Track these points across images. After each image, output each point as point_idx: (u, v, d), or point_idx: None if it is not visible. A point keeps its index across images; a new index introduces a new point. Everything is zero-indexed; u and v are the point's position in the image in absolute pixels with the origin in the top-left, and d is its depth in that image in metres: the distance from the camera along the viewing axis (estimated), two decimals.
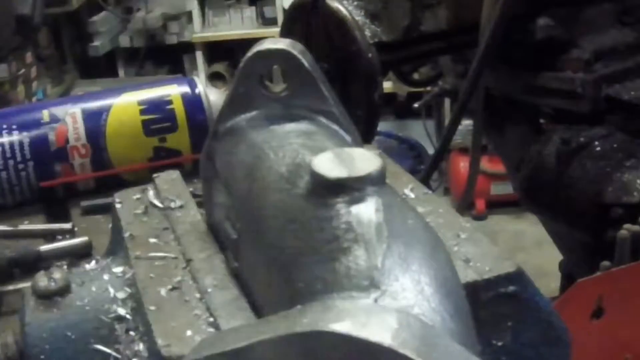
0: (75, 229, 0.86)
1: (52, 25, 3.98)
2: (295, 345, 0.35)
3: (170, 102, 0.94)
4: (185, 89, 0.96)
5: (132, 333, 0.53)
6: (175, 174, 0.72)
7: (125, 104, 0.95)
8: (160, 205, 0.67)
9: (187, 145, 0.94)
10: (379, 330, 0.34)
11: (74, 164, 0.92)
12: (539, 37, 1.30)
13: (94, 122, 0.93)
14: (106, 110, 0.94)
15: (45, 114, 0.93)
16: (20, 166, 0.90)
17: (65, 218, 0.89)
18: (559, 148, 1.26)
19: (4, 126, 0.91)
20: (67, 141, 0.92)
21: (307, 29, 1.20)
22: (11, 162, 0.90)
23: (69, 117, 0.92)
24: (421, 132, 3.38)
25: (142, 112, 0.94)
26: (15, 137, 0.91)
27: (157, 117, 0.94)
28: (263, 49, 0.59)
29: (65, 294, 0.56)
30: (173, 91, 0.96)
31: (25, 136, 0.91)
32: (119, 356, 0.53)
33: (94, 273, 0.59)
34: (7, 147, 0.90)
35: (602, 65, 1.26)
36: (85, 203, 0.90)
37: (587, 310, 1.01)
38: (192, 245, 0.60)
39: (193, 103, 0.95)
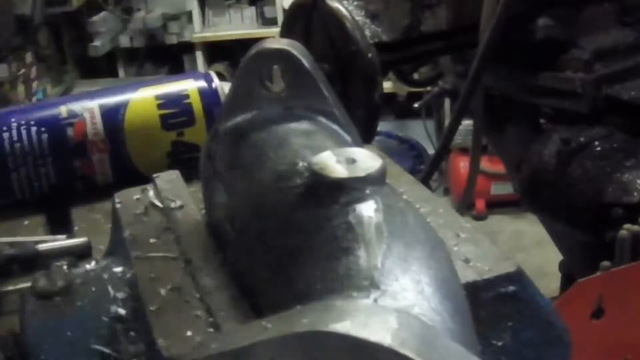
0: (75, 228, 0.86)
1: (52, 25, 3.99)
2: (295, 346, 0.35)
3: (187, 96, 0.95)
4: (202, 83, 0.96)
5: (132, 333, 0.53)
6: (175, 174, 0.72)
7: (142, 98, 0.95)
8: (160, 205, 0.67)
9: (204, 139, 0.95)
10: (379, 330, 0.34)
11: (92, 159, 0.92)
12: (539, 37, 1.30)
13: (112, 117, 0.93)
14: (124, 105, 0.94)
15: (63, 110, 0.93)
16: (39, 162, 0.90)
17: (65, 218, 0.89)
18: (559, 148, 1.26)
19: (22, 122, 0.92)
20: (85, 136, 0.92)
21: (307, 29, 1.20)
22: (30, 158, 0.90)
23: (87, 112, 0.93)
24: (421, 132, 3.38)
25: (160, 106, 0.94)
26: (34, 133, 0.91)
27: (175, 112, 0.94)
28: (263, 49, 0.59)
29: (65, 294, 0.56)
30: (190, 86, 0.96)
31: (44, 132, 0.91)
32: (119, 356, 0.53)
33: (94, 273, 0.59)
34: (25, 143, 0.91)
35: (602, 65, 1.26)
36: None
37: (587, 310, 1.01)
38: (192, 245, 0.60)
39: (210, 97, 0.95)
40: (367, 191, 0.46)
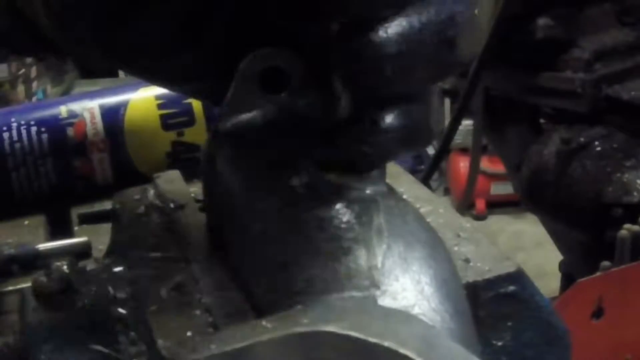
0: (75, 228, 0.86)
1: None
2: (295, 345, 0.35)
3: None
4: None
5: (132, 333, 0.53)
6: (175, 174, 0.72)
7: (142, 98, 0.95)
8: (160, 205, 0.67)
9: (204, 139, 0.94)
10: (378, 330, 0.34)
11: (92, 159, 0.92)
12: (539, 37, 1.30)
13: (112, 117, 0.93)
14: (124, 105, 0.94)
15: (63, 110, 0.93)
16: (39, 162, 0.90)
17: (65, 219, 0.89)
18: (559, 148, 1.26)
19: (22, 122, 0.92)
20: (85, 136, 0.92)
21: None
22: (30, 158, 0.90)
23: (87, 112, 0.93)
24: None
25: (160, 106, 0.94)
26: (34, 133, 0.91)
27: (175, 112, 0.94)
28: (263, 49, 0.59)
29: (65, 294, 0.56)
30: None
31: (44, 132, 0.91)
32: (119, 356, 0.53)
33: (94, 273, 0.59)
34: (25, 143, 0.90)
35: (602, 65, 1.26)
36: (82, 211, 0.89)
37: (587, 310, 1.01)
38: (192, 245, 0.60)
39: None
40: (367, 191, 0.46)
